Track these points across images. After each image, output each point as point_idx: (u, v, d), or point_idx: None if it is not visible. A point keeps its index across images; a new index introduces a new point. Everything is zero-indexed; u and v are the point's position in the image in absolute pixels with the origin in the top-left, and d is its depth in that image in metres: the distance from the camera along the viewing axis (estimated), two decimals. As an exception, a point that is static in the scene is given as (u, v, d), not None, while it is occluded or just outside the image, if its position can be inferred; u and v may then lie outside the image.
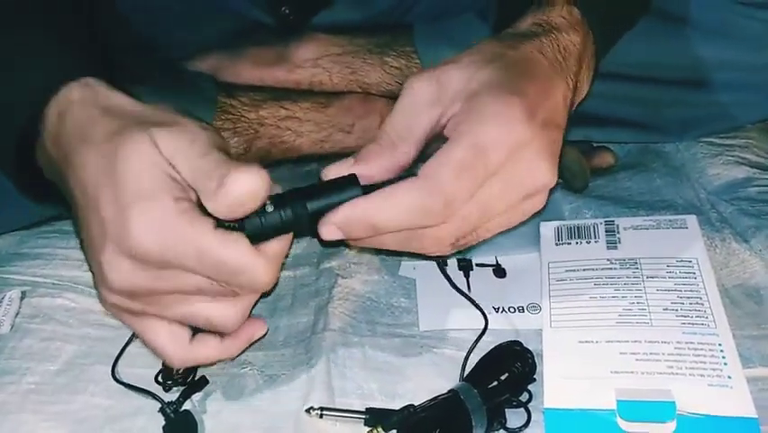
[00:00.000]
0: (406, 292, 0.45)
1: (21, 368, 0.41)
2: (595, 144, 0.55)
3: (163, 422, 0.37)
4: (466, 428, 0.33)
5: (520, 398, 0.35)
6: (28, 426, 0.38)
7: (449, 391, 0.35)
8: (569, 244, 0.44)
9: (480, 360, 0.37)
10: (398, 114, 0.34)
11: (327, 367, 0.40)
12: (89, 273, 0.47)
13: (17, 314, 0.45)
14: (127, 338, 0.42)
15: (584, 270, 0.41)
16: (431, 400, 0.35)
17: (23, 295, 0.46)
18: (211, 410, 0.38)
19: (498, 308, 0.44)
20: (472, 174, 0.31)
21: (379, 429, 0.34)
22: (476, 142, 0.31)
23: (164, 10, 0.50)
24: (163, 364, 0.40)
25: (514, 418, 0.35)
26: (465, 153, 0.31)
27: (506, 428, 0.35)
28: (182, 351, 0.35)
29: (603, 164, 0.54)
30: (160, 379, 0.40)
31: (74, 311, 0.45)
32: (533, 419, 0.36)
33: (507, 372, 0.35)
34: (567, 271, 0.42)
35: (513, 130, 0.31)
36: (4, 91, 0.34)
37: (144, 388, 0.39)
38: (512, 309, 0.44)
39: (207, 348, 0.35)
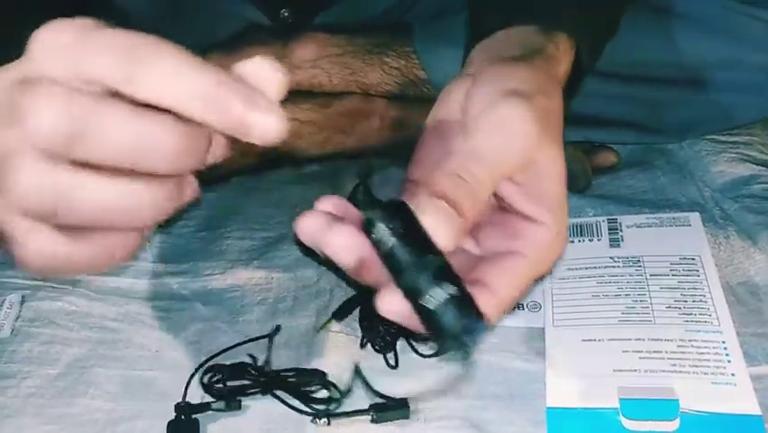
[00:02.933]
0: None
1: (21, 372, 0.41)
2: (596, 144, 0.55)
3: (164, 426, 0.37)
4: None
5: None
6: (29, 429, 0.38)
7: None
8: (571, 242, 0.43)
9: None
10: None
11: (329, 368, 0.40)
12: (90, 277, 0.48)
13: (17, 318, 0.44)
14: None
15: (586, 268, 0.41)
16: None
17: (24, 299, 0.46)
18: (211, 413, 0.38)
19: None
20: None
21: (332, 322, 0.42)
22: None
23: (162, 10, 0.50)
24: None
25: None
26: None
27: None
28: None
29: (606, 164, 0.54)
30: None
31: (74, 315, 0.45)
32: (536, 418, 0.36)
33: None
34: (569, 269, 0.41)
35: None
36: None
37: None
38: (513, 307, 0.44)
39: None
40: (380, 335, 0.40)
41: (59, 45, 0.23)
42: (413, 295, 0.26)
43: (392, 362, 0.40)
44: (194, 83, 0.23)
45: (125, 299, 0.46)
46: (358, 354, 0.41)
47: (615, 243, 0.43)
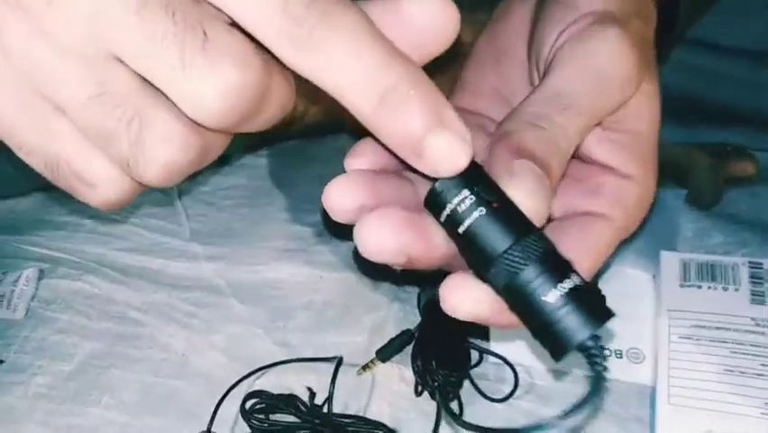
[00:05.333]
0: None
1: (32, 366, 0.36)
2: (730, 148, 0.44)
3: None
4: None
5: None
6: (32, 437, 0.33)
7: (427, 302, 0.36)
8: (698, 287, 0.34)
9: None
10: None
11: (381, 408, 0.33)
12: (116, 252, 0.42)
13: (33, 297, 0.39)
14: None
15: (718, 328, 0.32)
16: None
17: (42, 275, 0.40)
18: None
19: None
20: None
21: (376, 361, 0.35)
22: None
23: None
24: None
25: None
26: None
27: None
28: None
29: (740, 174, 0.43)
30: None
31: (95, 299, 0.39)
32: None
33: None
34: (694, 326, 0.32)
35: None
36: None
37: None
38: (607, 352, 0.36)
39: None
40: (438, 381, 0.32)
41: None
42: (516, 290, 0.19)
43: (456, 410, 0.33)
44: (374, 70, 0.18)
45: (153, 286, 0.40)
46: (413, 400, 0.34)
47: (759, 297, 0.33)
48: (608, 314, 0.19)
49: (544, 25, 0.25)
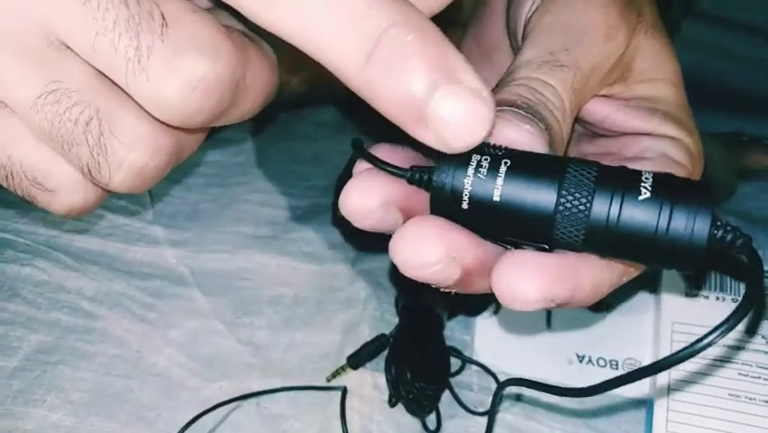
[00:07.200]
0: (466, 322, 0.34)
1: (-29, 361, 0.33)
2: (745, 138, 0.40)
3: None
4: (436, 320, 0.32)
5: None
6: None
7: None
8: (706, 297, 0.31)
9: None
10: None
11: (351, 418, 0.30)
12: (70, 235, 0.39)
13: (-25, 283, 0.36)
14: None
15: (725, 346, 0.29)
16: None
17: (-15, 258, 0.37)
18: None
19: (584, 358, 0.34)
20: None
21: (347, 368, 0.32)
22: None
23: None
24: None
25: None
26: None
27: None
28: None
29: (756, 166, 0.39)
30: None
31: (45, 287, 0.36)
32: None
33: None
34: (699, 342, 0.29)
35: None
36: None
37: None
38: (602, 363, 0.33)
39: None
40: (413, 393, 0.29)
41: None
42: (601, 227, 0.16)
43: (433, 425, 0.30)
44: (358, 11, 0.14)
45: (109, 273, 0.37)
46: (386, 410, 0.31)
47: (773, 311, 0.30)
48: (708, 188, 0.17)
49: (515, 5, 0.23)
